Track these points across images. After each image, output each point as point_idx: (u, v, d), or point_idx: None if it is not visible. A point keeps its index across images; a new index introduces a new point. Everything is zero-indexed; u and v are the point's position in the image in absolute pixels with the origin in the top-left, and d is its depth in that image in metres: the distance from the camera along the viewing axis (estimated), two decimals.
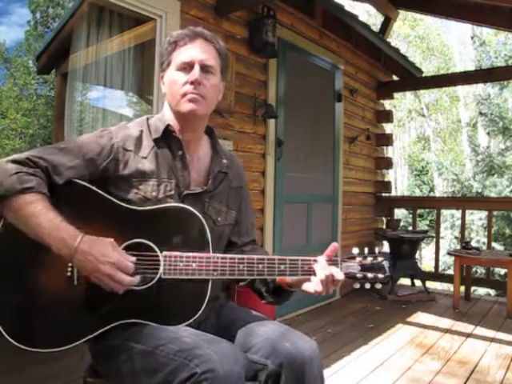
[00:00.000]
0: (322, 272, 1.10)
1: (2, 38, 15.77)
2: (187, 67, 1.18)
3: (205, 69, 1.18)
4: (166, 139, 1.22)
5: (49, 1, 13.38)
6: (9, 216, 1.03)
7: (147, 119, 1.26)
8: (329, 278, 1.10)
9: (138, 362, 1.02)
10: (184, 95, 1.17)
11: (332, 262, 1.13)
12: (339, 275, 1.10)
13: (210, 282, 1.09)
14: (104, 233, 1.05)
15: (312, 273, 1.11)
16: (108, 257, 0.99)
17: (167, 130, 1.21)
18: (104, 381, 1.15)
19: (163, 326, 1.06)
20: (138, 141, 1.20)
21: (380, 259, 1.16)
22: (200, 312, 1.08)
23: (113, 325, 1.06)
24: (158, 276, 1.06)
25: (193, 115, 1.19)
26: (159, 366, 0.98)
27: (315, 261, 1.12)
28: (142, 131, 1.22)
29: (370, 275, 1.14)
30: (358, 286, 1.15)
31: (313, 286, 1.11)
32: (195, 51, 1.18)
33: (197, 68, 1.17)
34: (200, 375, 0.91)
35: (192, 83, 1.16)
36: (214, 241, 1.19)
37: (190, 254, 1.08)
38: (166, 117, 1.25)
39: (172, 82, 1.19)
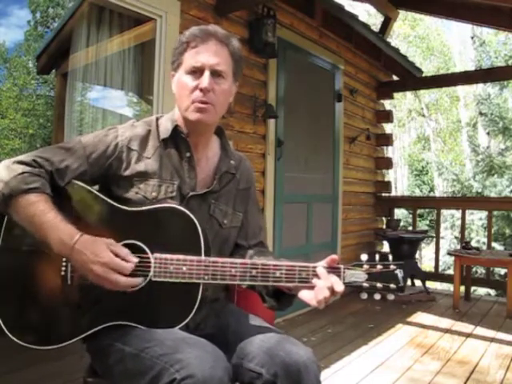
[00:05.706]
0: (323, 285, 1.02)
1: (1, 38, 15.80)
2: (197, 71, 1.13)
3: (216, 73, 1.14)
4: (175, 140, 1.20)
5: (49, 1, 13.40)
6: (14, 215, 1.04)
7: (157, 119, 1.24)
8: (329, 289, 1.02)
9: (129, 364, 1.01)
10: (192, 102, 1.14)
11: (333, 269, 1.05)
12: (338, 286, 1.02)
13: (201, 286, 1.06)
14: (96, 233, 1.05)
15: (309, 282, 1.05)
16: (99, 257, 0.97)
17: (175, 130, 1.19)
18: (104, 381, 1.15)
19: (152, 328, 1.04)
20: (144, 140, 1.18)
21: (392, 268, 1.07)
22: (190, 316, 1.05)
23: (102, 326, 1.06)
24: (148, 278, 1.05)
25: (200, 124, 1.17)
26: (146, 368, 0.97)
27: (314, 268, 1.05)
28: (149, 131, 1.20)
29: (379, 285, 1.06)
30: (364, 296, 1.08)
31: (310, 298, 1.05)
32: (206, 55, 1.13)
33: (207, 74, 1.12)
34: (180, 381, 0.90)
35: (201, 90, 1.13)
36: (219, 244, 1.17)
37: (181, 257, 1.04)
38: (175, 117, 1.22)
39: (181, 85, 1.16)
